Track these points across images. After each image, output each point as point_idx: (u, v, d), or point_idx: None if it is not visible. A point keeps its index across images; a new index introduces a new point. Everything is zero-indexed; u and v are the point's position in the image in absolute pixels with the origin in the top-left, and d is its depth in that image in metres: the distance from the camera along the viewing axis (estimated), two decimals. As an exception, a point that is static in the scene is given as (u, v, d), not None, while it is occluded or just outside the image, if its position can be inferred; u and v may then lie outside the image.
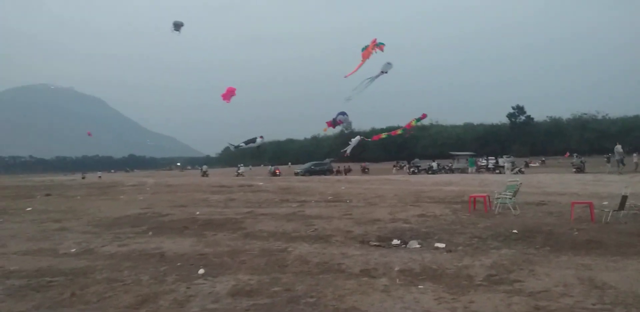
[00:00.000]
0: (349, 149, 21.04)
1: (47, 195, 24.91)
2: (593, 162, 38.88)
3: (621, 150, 30.27)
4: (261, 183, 26.86)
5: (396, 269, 6.02)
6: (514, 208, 11.07)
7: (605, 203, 11.61)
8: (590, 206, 9.66)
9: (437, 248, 7.30)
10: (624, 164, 29.26)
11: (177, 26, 18.54)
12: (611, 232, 8.01)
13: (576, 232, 8.06)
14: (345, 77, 16.50)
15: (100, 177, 57.14)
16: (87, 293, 5.42)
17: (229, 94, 19.25)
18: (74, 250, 8.38)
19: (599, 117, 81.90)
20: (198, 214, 13.10)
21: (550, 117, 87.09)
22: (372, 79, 15.32)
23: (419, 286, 5.19)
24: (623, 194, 9.11)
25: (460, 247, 7.29)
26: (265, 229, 9.73)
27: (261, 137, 23.06)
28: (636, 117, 77.52)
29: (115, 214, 14.13)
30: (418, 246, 7.71)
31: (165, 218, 12.71)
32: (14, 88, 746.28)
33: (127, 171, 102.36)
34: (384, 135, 23.39)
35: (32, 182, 53.88)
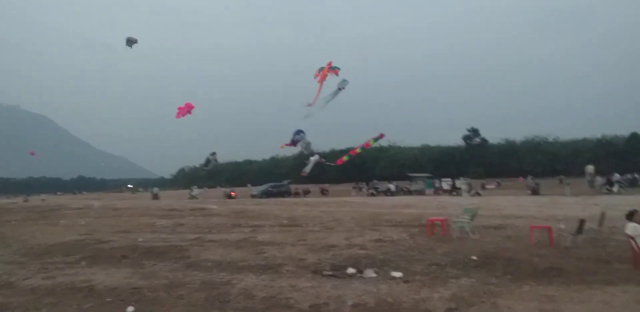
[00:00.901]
0: (307, 169, 20.54)
1: (-21, 220, 23.04)
2: (546, 184, 39.89)
3: (592, 171, 30.64)
4: (214, 206, 25.84)
5: (349, 303, 5.48)
6: (472, 232, 10.79)
7: (562, 226, 11.49)
8: (548, 230, 9.48)
9: (394, 278, 6.81)
10: (592, 186, 29.76)
11: (130, 42, 17.75)
12: (571, 257, 7.79)
13: (536, 259, 7.79)
14: (309, 105, 16.08)
15: (43, 200, 53.91)
16: (-14, 341, 4.59)
17: (185, 110, 18.37)
18: (-10, 284, 7.40)
19: (550, 139, 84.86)
20: (141, 241, 12.17)
21: (505, 139, 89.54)
22: (332, 95, 14.98)
23: (374, 325, 4.67)
24: (580, 217, 8.97)
25: (417, 277, 6.83)
26: (210, 258, 9.00)
27: (212, 154, 22.33)
28: (585, 140, 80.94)
29: (50, 241, 12.99)
30: (374, 275, 7.20)
31: (105, 245, 11.74)
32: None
33: (74, 193, 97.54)
34: (345, 158, 23.05)
35: (-31, 205, 50.43)
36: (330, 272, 7.47)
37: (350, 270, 7.57)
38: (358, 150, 18.42)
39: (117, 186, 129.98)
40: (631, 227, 6.85)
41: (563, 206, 17.99)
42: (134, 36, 18.06)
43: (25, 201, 52.67)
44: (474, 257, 8.13)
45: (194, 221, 17.79)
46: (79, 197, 71.69)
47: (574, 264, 7.26)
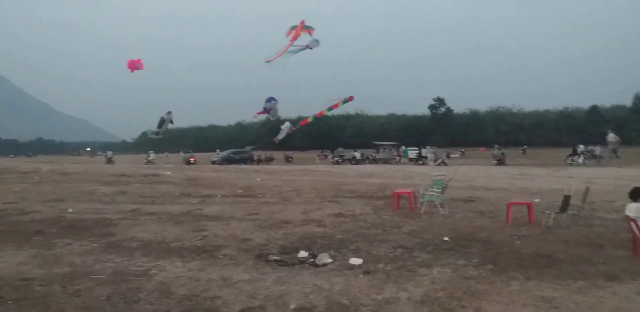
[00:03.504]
0: (280, 136, 19.19)
1: None
2: (509, 154, 39.59)
3: (614, 139, 28.91)
4: (168, 172, 24.18)
5: (292, 307, 4.21)
6: (442, 207, 9.70)
7: (537, 200, 10.61)
8: (529, 207, 8.43)
9: (352, 267, 5.58)
10: (617, 156, 28.52)
11: None
12: (558, 240, 6.74)
13: (518, 241, 6.71)
14: (268, 61, 14.60)
15: (-11, 162, 50.70)
16: None
17: (132, 65, 17.07)
18: None
19: (514, 110, 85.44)
20: (69, 212, 10.62)
21: (469, 109, 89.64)
22: (296, 50, 13.47)
23: (320, 345, 3.41)
24: (565, 193, 7.93)
25: (381, 265, 5.62)
26: (139, 236, 7.58)
27: (168, 113, 20.59)
28: (547, 111, 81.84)
29: (-37, 211, 11.26)
30: (329, 260, 5.99)
31: (25, 217, 10.14)
32: None
33: (28, 156, 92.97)
34: (310, 119, 21.72)
35: None
36: (277, 257, 6.20)
37: (302, 253, 6.34)
38: (325, 112, 17.02)
39: (75, 149, 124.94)
40: (634, 208, 5.78)
41: (534, 178, 17.20)
42: None
43: (-31, 163, 49.35)
44: (446, 238, 7.01)
45: (139, 188, 16.21)
46: (31, 160, 68.10)
47: (562, 249, 6.21)
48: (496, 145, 38.49)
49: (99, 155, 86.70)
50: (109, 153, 48.41)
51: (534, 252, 6.02)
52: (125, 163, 42.11)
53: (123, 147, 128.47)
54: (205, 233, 7.76)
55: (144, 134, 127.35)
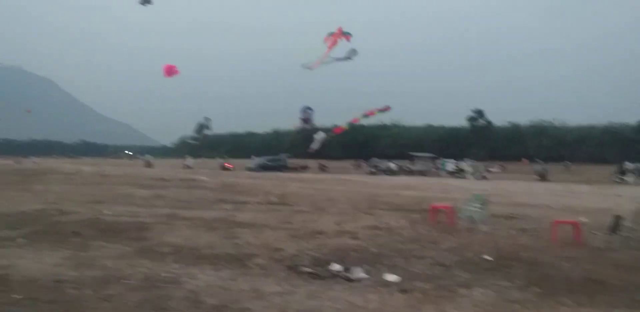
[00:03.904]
0: (315, 146, 19.34)
1: (-47, 181, 21.72)
2: (551, 169, 38.27)
3: None
4: (205, 178, 24.45)
5: (324, 324, 4.03)
6: (483, 223, 9.32)
7: (584, 220, 10.05)
8: (576, 226, 7.98)
9: (388, 284, 5.35)
10: None
11: (145, 1, 16.05)
12: (608, 264, 6.31)
13: (566, 264, 6.31)
14: (311, 68, 14.74)
15: (35, 162, 52.74)
16: None
17: (169, 71, 17.66)
18: None
19: (557, 124, 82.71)
20: (106, 215, 10.76)
21: (510, 122, 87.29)
22: (335, 59, 13.63)
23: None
24: (616, 213, 7.46)
25: (418, 283, 5.37)
26: (171, 242, 7.56)
27: (207, 119, 21.06)
28: (591, 127, 78.80)
29: (6, 210, 11.58)
30: (364, 275, 5.78)
31: (63, 218, 10.31)
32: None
33: (70, 157, 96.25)
34: (345, 126, 21.75)
35: (-41, 165, 49.31)
36: (309, 269, 6.03)
37: (335, 266, 6.15)
38: (361, 118, 16.95)
39: (115, 151, 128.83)
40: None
41: (580, 196, 16.45)
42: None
43: (18, 162, 51.48)
44: (488, 257, 6.67)
45: (176, 193, 16.38)
46: (74, 162, 70.59)
47: (614, 274, 5.80)
48: (538, 160, 37.26)
49: (138, 158, 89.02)
50: (148, 156, 49.60)
51: (583, 275, 5.64)
52: (164, 167, 43.01)
53: (163, 152, 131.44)
54: (237, 241, 7.67)
55: (183, 139, 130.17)
